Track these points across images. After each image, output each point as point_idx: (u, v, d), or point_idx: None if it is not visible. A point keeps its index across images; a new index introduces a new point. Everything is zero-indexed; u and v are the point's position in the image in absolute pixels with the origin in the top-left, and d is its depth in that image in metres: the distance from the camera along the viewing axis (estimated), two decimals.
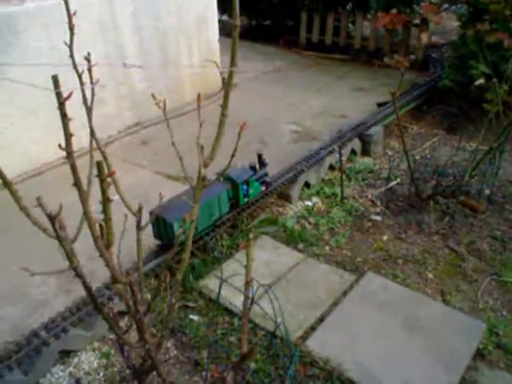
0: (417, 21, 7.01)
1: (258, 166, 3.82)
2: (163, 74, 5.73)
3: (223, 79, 6.40)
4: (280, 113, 5.71)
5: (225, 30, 9.24)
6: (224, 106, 1.92)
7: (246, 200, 3.75)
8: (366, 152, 5.02)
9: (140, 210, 2.06)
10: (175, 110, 5.83)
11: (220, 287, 2.81)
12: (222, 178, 3.60)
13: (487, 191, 4.42)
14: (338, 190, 4.33)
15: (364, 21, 7.25)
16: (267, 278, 3.43)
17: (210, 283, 3.40)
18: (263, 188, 3.89)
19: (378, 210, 4.26)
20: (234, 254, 3.67)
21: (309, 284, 3.38)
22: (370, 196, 4.41)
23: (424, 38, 3.33)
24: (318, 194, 4.37)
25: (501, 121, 3.86)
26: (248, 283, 1.88)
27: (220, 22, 9.26)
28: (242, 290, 2.72)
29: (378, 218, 4.12)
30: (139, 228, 2.07)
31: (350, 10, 7.39)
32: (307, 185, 4.40)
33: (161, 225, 3.30)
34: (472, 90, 4.55)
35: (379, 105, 5.76)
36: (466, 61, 5.29)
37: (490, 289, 3.52)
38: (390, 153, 5.18)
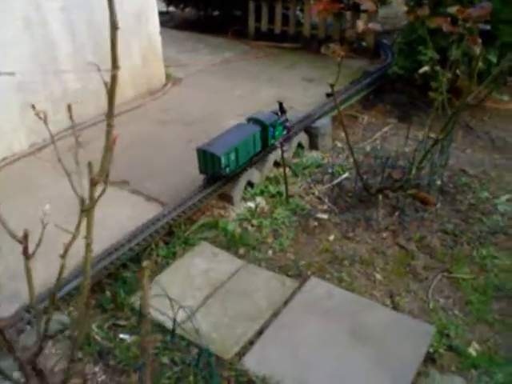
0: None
1: (279, 113, 4.27)
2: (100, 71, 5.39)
3: (166, 74, 6.13)
4: (228, 106, 5.46)
5: (173, 22, 8.95)
6: (109, 116, 1.66)
7: (273, 141, 4.19)
8: (313, 145, 4.80)
9: (26, 236, 1.79)
10: (115, 108, 5.53)
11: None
12: (251, 122, 4.12)
13: (438, 182, 4.25)
14: (283, 188, 4.10)
15: None
16: (205, 289, 3.20)
17: None
18: (285, 132, 4.35)
19: (325, 207, 4.05)
20: (171, 264, 3.42)
21: (248, 293, 3.15)
22: (316, 193, 4.20)
23: (360, 25, 3.11)
24: (262, 193, 4.13)
25: (447, 110, 3.69)
26: (144, 316, 1.63)
27: (167, 13, 8.97)
28: (177, 303, 2.50)
29: (325, 216, 3.91)
30: (27, 257, 1.81)
31: None
32: (251, 184, 4.16)
33: (208, 159, 3.73)
34: (417, 78, 4.38)
35: (328, 95, 5.55)
36: (414, 47, 5.12)
37: (440, 286, 3.35)
38: (339, 145, 4.98)
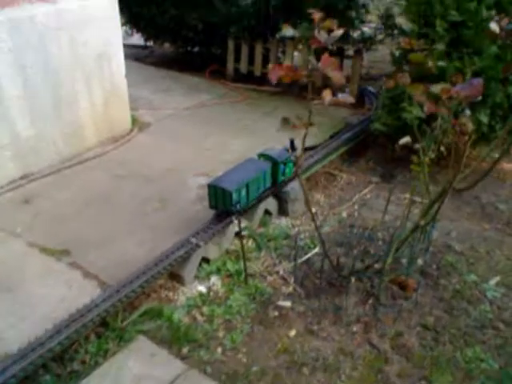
0: (350, 52, 6.44)
1: (290, 150, 4.29)
2: (56, 117, 4.91)
3: (133, 119, 5.66)
4: (192, 161, 4.97)
5: (152, 57, 8.53)
6: None
7: (282, 178, 4.22)
8: (283, 211, 4.31)
9: None
10: (74, 156, 5.06)
11: None
12: (262, 158, 4.16)
13: (420, 261, 3.77)
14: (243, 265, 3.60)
15: (295, 50, 6.60)
16: None
17: None
18: (295, 169, 4.29)
19: (290, 289, 3.54)
20: (100, 365, 2.90)
21: None
22: (281, 271, 3.70)
23: (327, 96, 2.65)
24: (218, 271, 3.62)
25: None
26: None
27: (146, 48, 8.56)
28: None
29: (288, 303, 3.40)
30: None
31: (279, 38, 6.72)
32: (207, 259, 3.66)
33: (219, 195, 3.70)
34: (396, 149, 3.93)
35: (305, 149, 5.08)
36: (398, 102, 4.68)
37: None
38: (312, 209, 4.48)
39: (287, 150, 4.27)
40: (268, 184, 4.09)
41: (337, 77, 2.49)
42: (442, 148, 3.05)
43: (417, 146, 2.94)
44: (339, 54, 6.32)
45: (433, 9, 4.57)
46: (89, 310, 2.98)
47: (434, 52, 3.48)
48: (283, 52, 6.86)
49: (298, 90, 6.45)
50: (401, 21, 5.64)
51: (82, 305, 3.02)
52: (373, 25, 6.42)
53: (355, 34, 6.25)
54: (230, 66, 7.16)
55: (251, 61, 6.99)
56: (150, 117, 6.01)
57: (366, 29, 6.75)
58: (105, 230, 3.94)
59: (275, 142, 5.31)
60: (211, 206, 3.81)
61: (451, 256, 3.92)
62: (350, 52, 6.45)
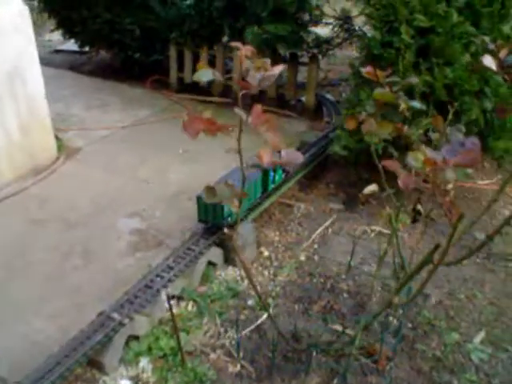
0: (305, 58, 5.81)
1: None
2: None
3: (59, 145, 4.91)
4: (124, 196, 4.26)
5: (89, 65, 7.71)
6: None
7: (272, 186, 4.08)
8: (230, 260, 3.65)
9: None
10: None
11: None
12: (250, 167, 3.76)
13: (393, 320, 3.18)
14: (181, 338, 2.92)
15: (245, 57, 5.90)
16: None
17: None
18: (283, 175, 4.21)
19: (237, 368, 2.90)
20: None
21: None
22: (227, 344, 3.04)
23: (265, 156, 1.98)
24: (149, 350, 2.93)
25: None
26: None
27: (82, 54, 7.74)
28: None
29: None
30: None
31: (225, 44, 6.01)
32: (136, 337, 2.98)
33: (209, 207, 3.48)
34: (360, 198, 3.29)
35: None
36: (361, 122, 4.05)
37: None
38: (266, 253, 3.84)
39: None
40: (258, 193, 3.94)
41: (273, 140, 1.83)
42: (419, 207, 2.44)
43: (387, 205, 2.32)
44: (293, 60, 5.68)
45: (397, 13, 3.95)
46: None
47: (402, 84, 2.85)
48: (231, 58, 6.16)
49: (249, 100, 5.78)
50: (360, 22, 5.06)
51: None
52: (331, 22, 5.80)
53: (309, 39, 5.61)
54: (174, 74, 6.44)
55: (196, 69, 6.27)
56: (80, 140, 5.25)
57: (324, 29, 6.12)
58: (10, 301, 3.21)
59: (224, 167, 4.62)
60: (200, 220, 3.59)
61: (428, 309, 3.33)
62: (305, 58, 5.82)
